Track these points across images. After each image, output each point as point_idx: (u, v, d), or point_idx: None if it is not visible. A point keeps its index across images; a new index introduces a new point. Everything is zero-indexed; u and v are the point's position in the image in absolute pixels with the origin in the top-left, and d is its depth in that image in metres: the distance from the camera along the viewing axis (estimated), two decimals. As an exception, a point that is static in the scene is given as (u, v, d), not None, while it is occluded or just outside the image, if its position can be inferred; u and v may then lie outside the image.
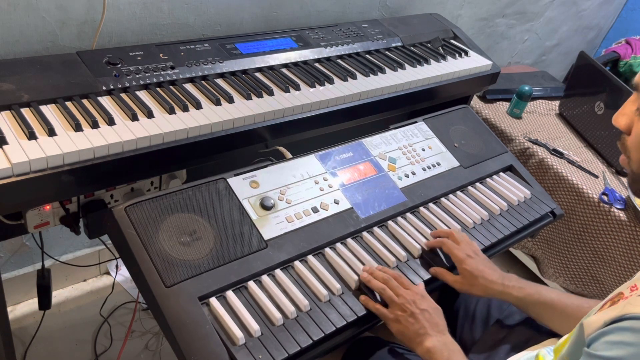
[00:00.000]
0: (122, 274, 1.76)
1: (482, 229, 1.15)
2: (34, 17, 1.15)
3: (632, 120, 0.74)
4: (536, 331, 1.06)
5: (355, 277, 0.95)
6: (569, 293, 1.00)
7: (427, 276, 1.01)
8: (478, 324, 1.13)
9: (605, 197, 1.77)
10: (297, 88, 1.24)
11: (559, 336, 1.00)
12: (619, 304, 0.66)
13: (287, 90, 1.22)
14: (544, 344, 0.99)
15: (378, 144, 1.22)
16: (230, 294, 0.86)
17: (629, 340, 0.61)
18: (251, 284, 0.88)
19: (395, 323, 0.90)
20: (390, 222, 1.09)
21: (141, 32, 1.33)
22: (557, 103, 2.30)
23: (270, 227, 0.96)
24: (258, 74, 1.26)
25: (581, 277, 1.85)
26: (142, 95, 1.09)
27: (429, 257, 1.05)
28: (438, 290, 1.12)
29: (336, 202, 1.06)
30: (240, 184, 1.00)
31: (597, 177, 1.89)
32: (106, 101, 1.04)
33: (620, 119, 0.75)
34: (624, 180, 1.89)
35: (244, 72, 1.25)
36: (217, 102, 1.11)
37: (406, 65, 1.47)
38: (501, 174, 1.33)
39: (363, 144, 1.20)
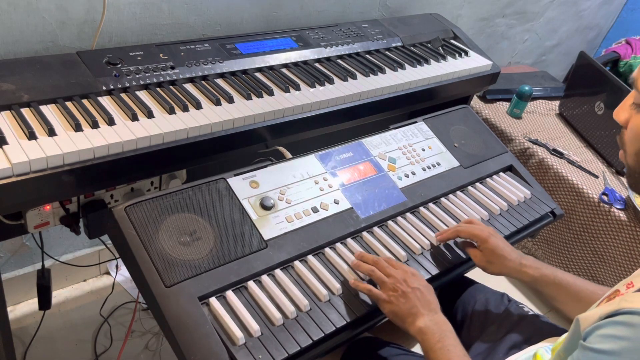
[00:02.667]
0: (122, 274, 1.76)
1: None
2: (34, 17, 1.15)
3: (630, 115, 0.76)
4: (535, 331, 1.06)
5: (356, 277, 0.95)
6: (584, 279, 1.01)
7: (427, 276, 1.01)
8: (476, 325, 1.13)
9: (605, 197, 1.77)
10: (297, 88, 1.24)
11: (557, 335, 1.00)
12: (615, 300, 0.67)
13: (287, 90, 1.22)
14: (542, 343, 0.99)
15: (378, 144, 1.22)
16: (230, 294, 0.86)
17: (622, 334, 0.62)
18: (251, 284, 0.88)
19: (387, 304, 0.89)
20: (390, 222, 1.09)
21: (141, 32, 1.33)
22: (557, 103, 2.30)
23: (270, 227, 0.96)
24: (258, 74, 1.26)
25: (581, 277, 1.85)
26: (142, 95, 1.09)
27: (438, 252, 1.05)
28: (436, 291, 1.12)
29: (336, 202, 1.06)
30: (240, 184, 1.00)
31: (597, 177, 1.89)
32: (106, 101, 1.04)
33: (620, 113, 0.78)
34: (624, 180, 1.89)
35: (244, 72, 1.25)
36: (217, 102, 1.11)
37: (406, 65, 1.47)
38: (501, 174, 1.33)
39: (363, 144, 1.20)
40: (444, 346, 0.83)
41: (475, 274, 1.17)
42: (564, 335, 0.80)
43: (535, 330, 1.06)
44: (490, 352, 1.05)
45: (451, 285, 1.20)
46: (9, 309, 1.53)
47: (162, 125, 1.01)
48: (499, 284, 1.06)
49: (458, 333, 1.13)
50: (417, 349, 1.16)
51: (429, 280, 1.01)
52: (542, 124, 2.15)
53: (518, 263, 1.01)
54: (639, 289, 0.66)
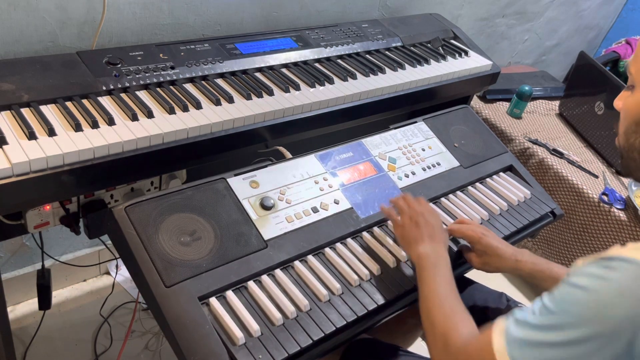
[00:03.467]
0: (122, 274, 1.76)
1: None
2: (34, 17, 1.15)
3: (624, 99, 0.79)
4: None
5: (355, 277, 0.95)
6: None
7: (427, 276, 1.01)
8: (476, 323, 1.13)
9: (605, 197, 1.77)
10: (297, 88, 1.24)
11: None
12: (613, 248, 0.66)
13: (287, 90, 1.22)
14: None
15: (378, 144, 1.22)
16: (230, 294, 0.86)
17: (603, 274, 0.61)
18: (251, 284, 0.88)
19: (400, 228, 0.98)
20: (390, 222, 1.09)
21: (141, 32, 1.33)
22: (557, 103, 2.30)
23: (270, 227, 0.96)
24: (258, 74, 1.26)
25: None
26: (142, 95, 1.09)
27: None
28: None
29: (336, 202, 1.06)
30: (240, 184, 1.00)
31: (597, 177, 1.89)
32: (106, 101, 1.04)
33: (616, 100, 0.80)
34: (624, 180, 1.89)
35: (244, 72, 1.25)
36: (217, 102, 1.11)
37: (406, 65, 1.47)
38: (501, 174, 1.33)
39: (363, 144, 1.20)
40: (436, 273, 0.89)
41: (474, 274, 1.18)
42: None
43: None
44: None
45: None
46: (9, 309, 1.53)
47: (162, 125, 1.01)
48: (497, 283, 1.06)
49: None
50: (414, 349, 1.17)
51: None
52: (542, 124, 2.15)
53: (514, 260, 1.01)
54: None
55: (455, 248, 1.07)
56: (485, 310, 1.14)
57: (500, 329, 0.68)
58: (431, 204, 1.09)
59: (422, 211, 0.99)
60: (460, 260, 1.06)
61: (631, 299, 0.58)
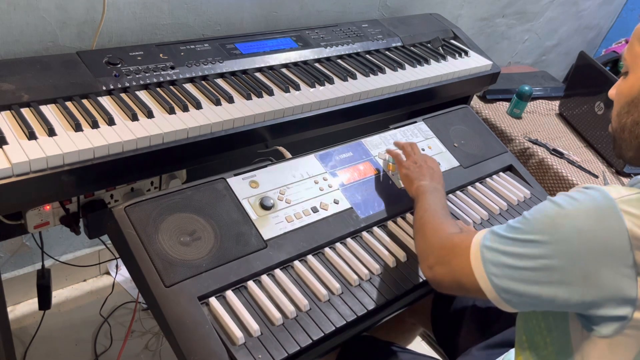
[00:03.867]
0: (122, 274, 1.76)
1: (481, 229, 1.15)
2: (34, 17, 1.15)
3: (617, 87, 0.81)
4: None
5: (355, 277, 0.95)
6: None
7: (427, 276, 1.01)
8: (476, 322, 1.13)
9: (605, 197, 1.77)
10: (297, 88, 1.24)
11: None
12: None
13: (287, 90, 1.22)
14: None
15: (378, 144, 1.22)
16: (230, 294, 0.86)
17: (578, 197, 0.68)
18: (251, 284, 0.88)
19: (405, 169, 1.08)
20: (390, 222, 1.09)
21: (141, 32, 1.33)
22: (557, 103, 2.30)
23: (270, 227, 0.96)
24: (258, 74, 1.26)
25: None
26: (142, 95, 1.09)
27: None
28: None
29: (336, 202, 1.06)
30: (240, 184, 1.00)
31: (597, 177, 1.89)
32: (106, 101, 1.05)
33: (611, 90, 0.83)
34: (624, 180, 1.89)
35: (244, 72, 1.25)
36: (217, 102, 1.11)
37: (406, 65, 1.47)
38: (501, 173, 1.33)
39: (363, 144, 1.20)
40: (431, 197, 0.98)
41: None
42: None
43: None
44: (490, 348, 1.05)
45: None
46: (9, 309, 1.52)
47: (162, 125, 1.01)
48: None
49: (458, 331, 1.13)
50: (412, 347, 1.17)
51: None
52: (542, 124, 2.15)
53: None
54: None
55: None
56: (485, 309, 1.14)
57: (481, 232, 0.79)
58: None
59: (425, 159, 1.10)
60: None
61: (586, 217, 0.66)
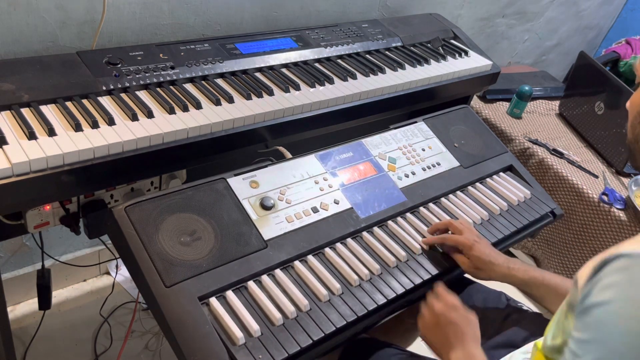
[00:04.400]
0: (122, 274, 1.76)
1: (482, 229, 1.15)
2: (34, 17, 1.15)
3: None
4: (534, 328, 1.06)
5: (355, 277, 0.95)
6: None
7: (427, 276, 1.01)
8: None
9: (605, 197, 1.77)
10: (297, 88, 1.24)
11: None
12: (607, 251, 0.66)
13: (287, 90, 1.22)
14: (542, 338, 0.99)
15: (378, 144, 1.22)
16: (230, 294, 0.86)
17: (618, 280, 0.60)
18: (251, 284, 0.88)
19: (423, 328, 0.95)
20: (390, 222, 1.09)
21: (141, 32, 1.33)
22: (557, 103, 2.30)
23: (270, 227, 0.96)
24: (258, 74, 1.26)
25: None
26: (142, 95, 1.09)
27: (429, 255, 1.05)
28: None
29: (336, 202, 1.06)
30: (240, 184, 1.00)
31: (597, 177, 1.89)
32: (106, 101, 1.04)
33: (628, 102, 0.80)
34: (624, 180, 1.89)
35: (244, 72, 1.25)
36: (217, 102, 1.11)
37: (406, 65, 1.47)
38: (501, 174, 1.33)
39: (363, 144, 1.20)
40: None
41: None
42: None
43: (534, 328, 1.06)
44: (490, 350, 1.05)
45: (450, 285, 1.20)
46: (9, 309, 1.52)
47: (162, 125, 1.01)
48: (497, 283, 1.07)
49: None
50: (413, 348, 1.17)
51: (430, 280, 1.01)
52: (542, 124, 2.15)
53: (506, 267, 1.01)
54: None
55: (440, 250, 1.07)
56: (485, 310, 1.14)
57: None
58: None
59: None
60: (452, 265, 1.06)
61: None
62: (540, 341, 0.85)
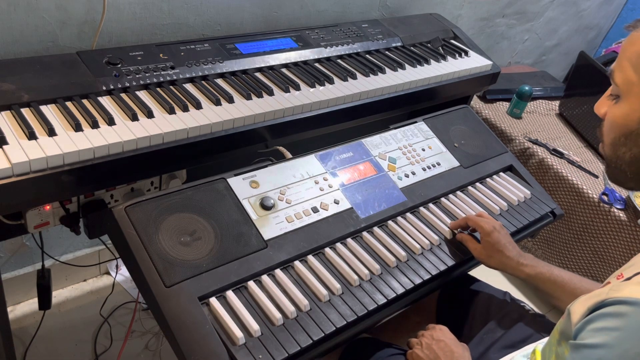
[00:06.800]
0: (122, 274, 1.76)
1: None
2: (34, 17, 1.15)
3: (607, 107, 0.79)
4: (535, 330, 1.06)
5: (355, 277, 0.95)
6: (582, 276, 1.02)
7: (427, 276, 1.01)
8: (478, 322, 1.13)
9: (605, 197, 1.77)
10: (297, 88, 1.24)
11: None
12: (604, 289, 0.67)
13: (287, 90, 1.22)
14: (542, 341, 0.99)
15: (378, 144, 1.22)
16: (230, 294, 0.86)
17: (613, 325, 0.62)
18: (251, 284, 0.88)
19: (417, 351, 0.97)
20: (390, 222, 1.09)
21: (141, 32, 1.33)
22: (557, 103, 2.30)
23: (270, 227, 0.96)
24: (258, 74, 1.26)
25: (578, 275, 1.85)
26: (142, 95, 1.09)
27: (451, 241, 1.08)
28: (440, 288, 1.12)
29: (336, 202, 1.06)
30: (240, 184, 1.00)
31: (597, 177, 1.89)
32: (106, 101, 1.04)
33: (599, 106, 0.80)
34: (624, 180, 1.89)
35: (244, 72, 1.25)
36: (217, 102, 1.11)
37: (406, 65, 1.47)
38: (501, 174, 1.33)
39: (363, 144, 1.20)
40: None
41: (478, 272, 1.18)
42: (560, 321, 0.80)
43: (535, 329, 1.06)
44: (490, 349, 1.05)
45: (454, 283, 1.21)
46: (9, 309, 1.53)
47: (162, 125, 1.01)
48: (501, 282, 1.07)
49: (459, 330, 1.14)
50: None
51: (431, 279, 1.02)
52: (542, 124, 2.15)
53: (516, 261, 1.03)
54: (627, 278, 0.66)
55: (457, 240, 1.09)
56: (488, 308, 1.14)
57: None
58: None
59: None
60: (461, 259, 1.07)
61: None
62: (539, 348, 0.85)
